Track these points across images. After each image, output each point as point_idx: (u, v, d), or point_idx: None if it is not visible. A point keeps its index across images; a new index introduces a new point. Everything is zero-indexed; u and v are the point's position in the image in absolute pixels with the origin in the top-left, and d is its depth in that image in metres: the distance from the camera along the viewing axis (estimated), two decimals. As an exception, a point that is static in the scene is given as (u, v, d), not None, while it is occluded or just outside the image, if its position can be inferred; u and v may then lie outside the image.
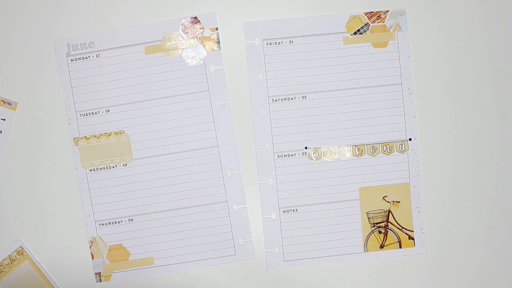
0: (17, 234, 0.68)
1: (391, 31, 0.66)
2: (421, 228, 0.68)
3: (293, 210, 0.68)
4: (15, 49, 0.66)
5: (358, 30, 0.66)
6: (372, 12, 0.66)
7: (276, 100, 0.67)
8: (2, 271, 0.67)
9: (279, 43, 0.66)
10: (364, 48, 0.67)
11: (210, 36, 0.66)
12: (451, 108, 0.67)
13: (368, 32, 0.66)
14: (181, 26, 0.66)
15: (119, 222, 0.68)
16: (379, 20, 0.66)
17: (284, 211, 0.68)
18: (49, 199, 0.68)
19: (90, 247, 0.68)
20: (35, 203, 0.68)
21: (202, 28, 0.66)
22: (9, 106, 0.67)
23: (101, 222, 0.68)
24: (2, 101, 0.67)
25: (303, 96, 0.67)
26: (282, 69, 0.67)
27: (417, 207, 0.67)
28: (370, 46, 0.66)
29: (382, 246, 0.69)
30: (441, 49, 0.67)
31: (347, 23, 0.66)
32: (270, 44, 0.66)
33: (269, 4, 0.66)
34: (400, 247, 0.68)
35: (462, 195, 0.68)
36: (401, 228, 0.68)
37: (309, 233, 0.68)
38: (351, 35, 0.66)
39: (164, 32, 0.66)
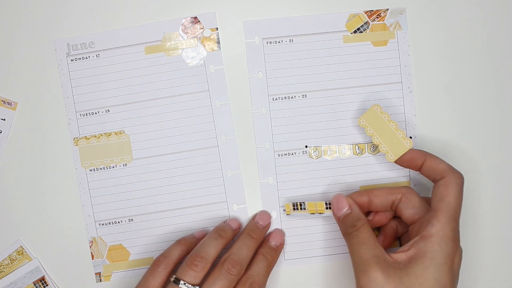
0: (17, 234, 0.68)
1: (391, 29, 0.67)
2: (422, 227, 0.68)
3: (294, 208, 0.68)
4: (15, 49, 0.66)
5: (358, 29, 0.66)
6: (372, 10, 0.66)
7: (276, 99, 0.67)
8: (2, 271, 0.67)
9: (279, 42, 0.67)
10: (364, 47, 0.67)
11: (210, 36, 0.66)
12: (451, 107, 0.67)
13: (368, 30, 0.66)
14: (181, 26, 0.66)
15: (119, 222, 0.68)
16: (379, 19, 0.67)
17: (284, 210, 0.68)
18: (49, 199, 0.68)
19: (90, 247, 0.68)
20: (35, 203, 0.68)
21: (202, 28, 0.66)
22: (9, 106, 0.67)
23: (101, 222, 0.68)
24: (2, 101, 0.67)
25: (303, 95, 0.67)
26: (282, 67, 0.67)
27: (418, 206, 0.67)
28: (370, 44, 0.67)
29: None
30: (441, 48, 0.67)
31: (347, 21, 0.66)
32: (270, 43, 0.67)
33: (269, 4, 0.66)
34: (401, 245, 0.68)
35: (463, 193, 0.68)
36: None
37: (311, 231, 0.68)
38: (351, 33, 0.66)
39: (164, 32, 0.66)
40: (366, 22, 0.66)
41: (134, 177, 0.67)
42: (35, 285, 0.67)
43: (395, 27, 0.67)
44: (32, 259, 0.68)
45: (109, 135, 0.67)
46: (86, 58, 0.66)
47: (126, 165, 0.67)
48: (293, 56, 0.66)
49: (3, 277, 0.67)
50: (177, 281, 0.59)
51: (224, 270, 0.60)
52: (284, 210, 0.68)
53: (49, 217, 0.67)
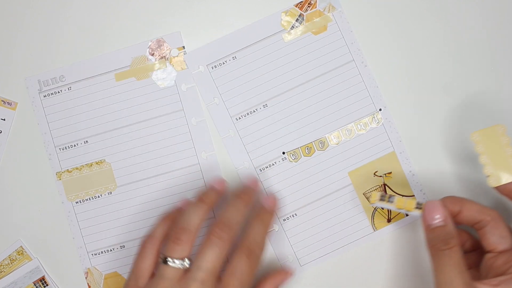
0: (17, 234, 0.65)
1: (325, 13, 0.69)
2: (421, 190, 0.66)
3: (293, 215, 0.67)
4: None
5: (295, 24, 0.69)
6: (302, 1, 0.69)
7: (239, 118, 0.67)
8: (2, 271, 0.64)
9: (223, 63, 0.68)
10: (306, 39, 0.68)
11: (178, 55, 0.68)
12: (451, 107, 0.67)
13: (304, 22, 0.69)
14: (148, 49, 0.68)
15: (111, 250, 0.64)
16: (311, 7, 0.69)
17: (284, 220, 0.67)
18: (49, 199, 0.66)
19: (86, 278, 0.62)
20: (35, 203, 0.65)
21: (169, 48, 0.69)
22: (9, 106, 0.67)
23: (93, 252, 0.64)
24: (2, 101, 0.66)
25: (263, 105, 0.67)
26: (236, 86, 0.68)
27: (410, 171, 0.67)
28: (311, 35, 0.68)
29: (389, 220, 0.66)
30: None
31: (281, 20, 0.69)
32: (215, 66, 0.68)
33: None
34: (407, 214, 0.66)
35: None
36: (401, 196, 0.66)
37: (316, 231, 0.66)
38: (289, 30, 0.68)
39: (132, 57, 0.68)
40: (300, 15, 0.69)
41: (121, 204, 0.66)
42: (35, 285, 0.65)
43: (329, 9, 0.69)
44: (32, 259, 0.65)
45: (91, 165, 0.66)
46: (58, 92, 0.68)
47: (111, 193, 0.65)
48: (242, 71, 0.68)
49: (3, 277, 0.65)
50: (165, 260, 0.55)
51: (213, 236, 0.55)
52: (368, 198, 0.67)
53: (49, 217, 0.65)
